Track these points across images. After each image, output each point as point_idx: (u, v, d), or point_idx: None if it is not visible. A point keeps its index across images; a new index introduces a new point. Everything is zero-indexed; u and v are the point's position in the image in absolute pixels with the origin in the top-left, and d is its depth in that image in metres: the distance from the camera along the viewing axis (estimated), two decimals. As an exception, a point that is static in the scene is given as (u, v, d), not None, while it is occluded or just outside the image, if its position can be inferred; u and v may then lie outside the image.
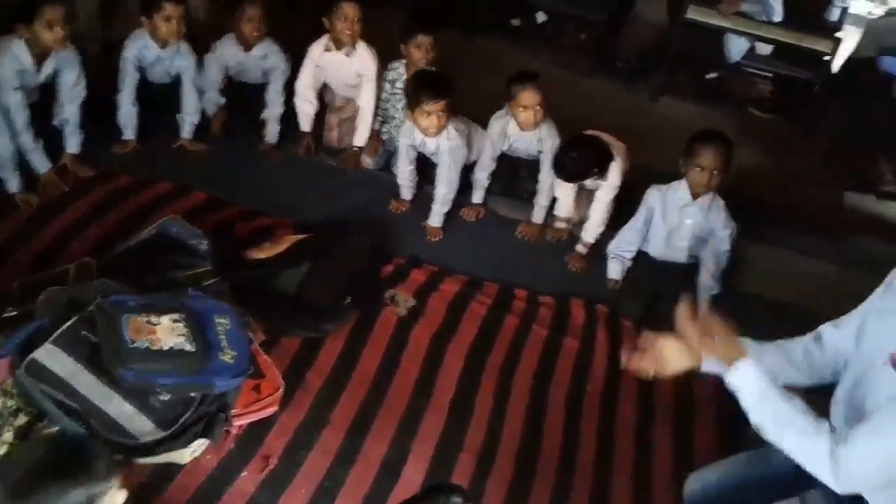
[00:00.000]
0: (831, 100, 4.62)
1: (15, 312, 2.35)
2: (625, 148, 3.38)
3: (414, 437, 2.43)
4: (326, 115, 3.89)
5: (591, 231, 3.37)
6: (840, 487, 1.55)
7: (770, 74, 4.86)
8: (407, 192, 3.57)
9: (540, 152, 3.44)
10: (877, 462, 1.54)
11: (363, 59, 3.65)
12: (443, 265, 3.22)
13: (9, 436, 2.03)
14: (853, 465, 1.53)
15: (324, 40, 3.63)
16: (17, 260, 2.80)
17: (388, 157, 3.80)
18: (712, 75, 5.04)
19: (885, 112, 4.27)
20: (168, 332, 2.21)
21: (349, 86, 3.76)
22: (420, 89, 3.24)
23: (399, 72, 3.70)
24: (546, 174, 3.43)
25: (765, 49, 4.82)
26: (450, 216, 3.48)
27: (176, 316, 2.27)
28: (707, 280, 3.12)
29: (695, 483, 2.05)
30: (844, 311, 3.20)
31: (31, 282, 2.52)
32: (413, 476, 2.30)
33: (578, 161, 3.20)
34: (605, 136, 3.36)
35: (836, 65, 4.72)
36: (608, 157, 3.26)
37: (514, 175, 3.69)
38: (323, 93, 3.87)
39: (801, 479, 1.89)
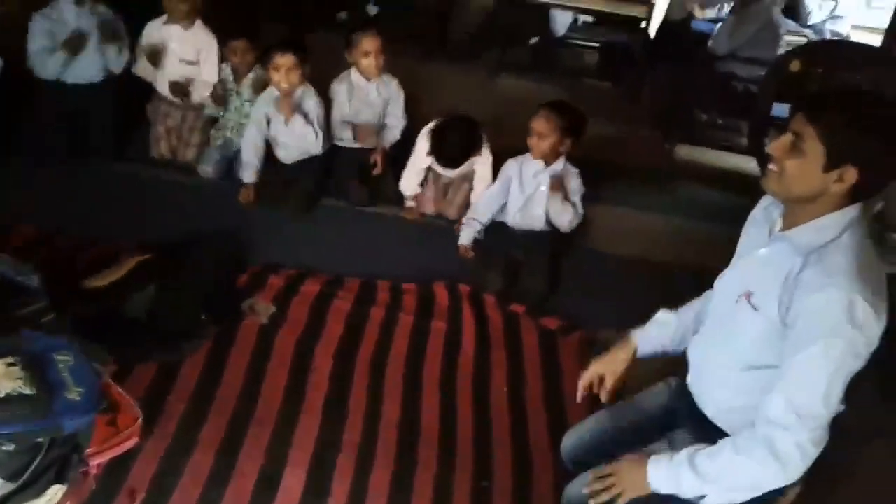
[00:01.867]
0: (652, 63, 4.90)
1: None
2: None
3: (289, 446, 2.36)
4: (152, 126, 3.73)
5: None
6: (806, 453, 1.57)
7: (594, 43, 5.10)
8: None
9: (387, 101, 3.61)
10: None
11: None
12: (301, 267, 3.15)
13: None
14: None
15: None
16: None
17: (229, 164, 3.68)
18: (534, 40, 5.23)
19: (699, 69, 4.58)
20: (2, 378, 2.03)
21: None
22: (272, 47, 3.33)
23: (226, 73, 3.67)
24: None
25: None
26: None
27: (10, 359, 2.08)
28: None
29: (569, 440, 2.11)
30: (685, 257, 3.45)
31: None
32: (292, 484, 2.23)
33: (459, 145, 3.27)
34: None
35: (653, 29, 5.00)
36: (479, 138, 3.34)
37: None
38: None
39: (667, 421, 2.00)
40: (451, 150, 3.29)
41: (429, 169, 3.47)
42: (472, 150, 3.32)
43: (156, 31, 3.68)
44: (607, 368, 2.02)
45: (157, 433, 2.31)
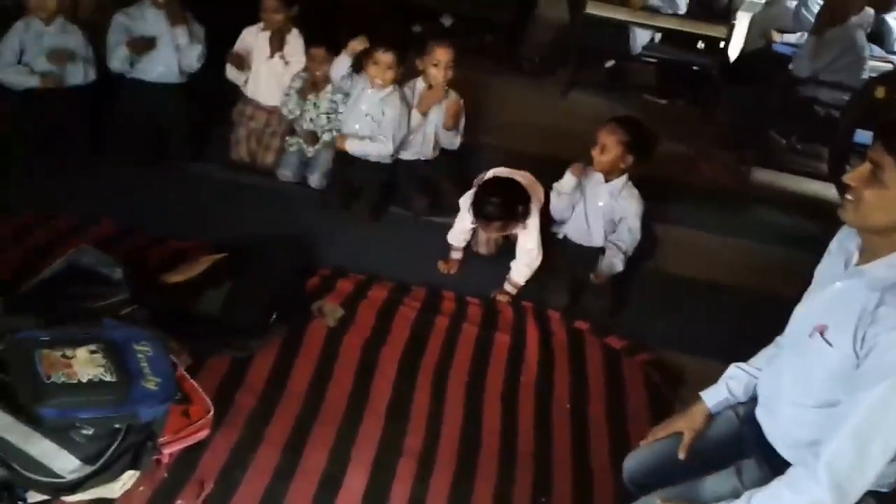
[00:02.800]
0: (731, 84, 4.83)
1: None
2: (539, 186, 3.30)
3: (352, 446, 2.39)
4: (234, 129, 3.85)
5: (519, 273, 3.19)
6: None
7: (671, 62, 5.05)
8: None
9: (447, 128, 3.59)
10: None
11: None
12: (369, 273, 3.20)
13: (-76, 488, 1.92)
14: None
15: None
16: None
17: (304, 168, 3.77)
18: (610, 63, 5.21)
19: (779, 93, 4.49)
20: (85, 364, 2.12)
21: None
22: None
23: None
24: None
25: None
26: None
27: (93, 347, 2.18)
28: (612, 258, 3.19)
29: (632, 461, 2.10)
30: (755, 282, 3.38)
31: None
32: (354, 484, 2.26)
33: (501, 206, 3.02)
34: (519, 176, 3.23)
35: (732, 51, 4.94)
36: (527, 198, 3.11)
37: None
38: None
39: (736, 449, 1.96)
40: (492, 211, 3.03)
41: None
42: (514, 217, 3.07)
43: (250, 36, 3.80)
44: (686, 426, 2.02)
45: (226, 427, 2.37)
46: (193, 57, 3.75)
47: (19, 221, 3.13)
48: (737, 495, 1.72)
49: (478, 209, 3.05)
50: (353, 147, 3.60)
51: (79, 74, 3.60)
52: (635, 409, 2.70)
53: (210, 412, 2.33)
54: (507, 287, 3.22)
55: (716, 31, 4.75)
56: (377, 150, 3.58)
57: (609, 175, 3.19)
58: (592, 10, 4.73)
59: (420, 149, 3.67)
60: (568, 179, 3.21)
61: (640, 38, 5.06)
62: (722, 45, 4.82)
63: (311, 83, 3.74)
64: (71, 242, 2.98)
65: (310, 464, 2.31)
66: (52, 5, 3.46)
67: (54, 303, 2.51)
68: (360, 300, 3.04)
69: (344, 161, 3.65)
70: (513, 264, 3.22)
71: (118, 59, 3.66)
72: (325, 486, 2.25)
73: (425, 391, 2.66)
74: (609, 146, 3.12)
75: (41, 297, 2.56)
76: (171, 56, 3.71)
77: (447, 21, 5.50)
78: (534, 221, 3.15)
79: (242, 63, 3.79)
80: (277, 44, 3.76)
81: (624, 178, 3.20)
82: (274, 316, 2.84)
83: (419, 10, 5.36)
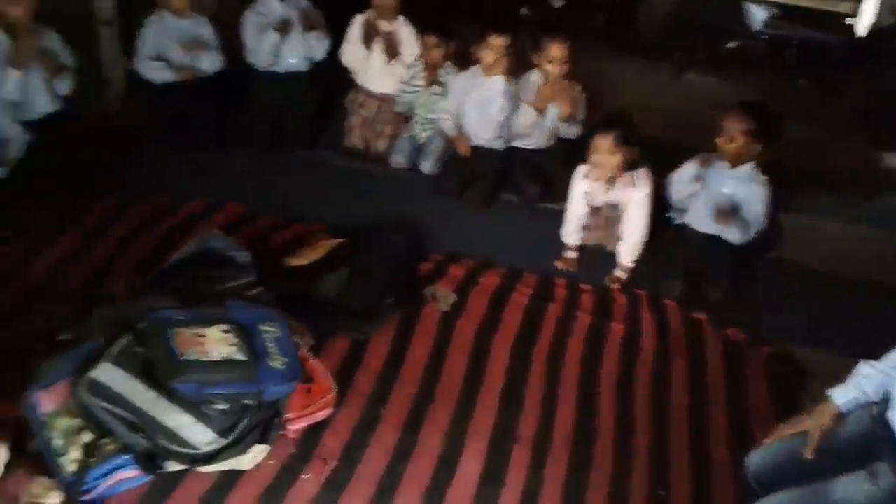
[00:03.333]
0: (860, 63, 4.55)
1: (69, 335, 2.40)
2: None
3: (467, 430, 2.43)
4: (348, 117, 3.93)
5: (628, 251, 3.14)
6: None
7: (793, 40, 4.80)
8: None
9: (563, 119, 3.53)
10: None
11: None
12: (481, 259, 3.22)
13: (76, 454, 2.07)
14: None
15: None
16: (65, 286, 2.84)
17: (416, 154, 3.81)
18: (732, 44, 4.99)
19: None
20: (217, 343, 2.24)
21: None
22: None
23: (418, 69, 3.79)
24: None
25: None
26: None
27: (224, 326, 2.30)
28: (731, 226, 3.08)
29: (756, 458, 2.04)
30: (886, 274, 3.20)
31: (82, 304, 2.58)
32: (470, 468, 2.30)
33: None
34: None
35: (862, 27, 4.64)
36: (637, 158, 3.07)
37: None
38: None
39: (867, 451, 1.88)
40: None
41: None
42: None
43: (360, 22, 3.86)
44: (814, 425, 1.96)
45: (347, 406, 2.46)
46: (321, 49, 3.85)
47: (154, 205, 3.31)
48: (871, 501, 1.65)
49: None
50: (466, 139, 3.63)
51: (209, 63, 3.75)
52: (757, 404, 2.62)
53: (332, 392, 2.42)
54: (618, 273, 3.19)
55: (843, 6, 4.48)
56: (481, 133, 3.58)
57: (735, 162, 3.08)
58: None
59: (536, 140, 3.64)
60: (690, 168, 3.12)
61: (757, 14, 4.82)
62: (849, 20, 4.54)
63: (425, 69, 3.76)
64: (200, 226, 3.15)
65: (426, 446, 2.37)
66: (189, 3, 3.62)
67: (187, 284, 2.65)
68: (473, 286, 3.07)
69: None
70: (620, 247, 3.18)
71: (265, 51, 3.74)
72: (441, 469, 2.30)
73: (538, 378, 2.66)
74: (736, 135, 3.00)
75: (175, 278, 2.71)
76: (300, 47, 3.81)
77: (557, 2, 5.41)
78: (642, 194, 3.09)
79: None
80: (390, 35, 3.80)
81: (750, 164, 3.07)
82: (389, 299, 2.91)
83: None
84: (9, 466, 2.10)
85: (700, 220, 3.17)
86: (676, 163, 3.24)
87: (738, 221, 3.06)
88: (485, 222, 3.49)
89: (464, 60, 3.69)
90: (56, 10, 3.33)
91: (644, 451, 2.42)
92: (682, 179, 3.17)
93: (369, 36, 3.83)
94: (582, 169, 3.15)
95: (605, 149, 2.98)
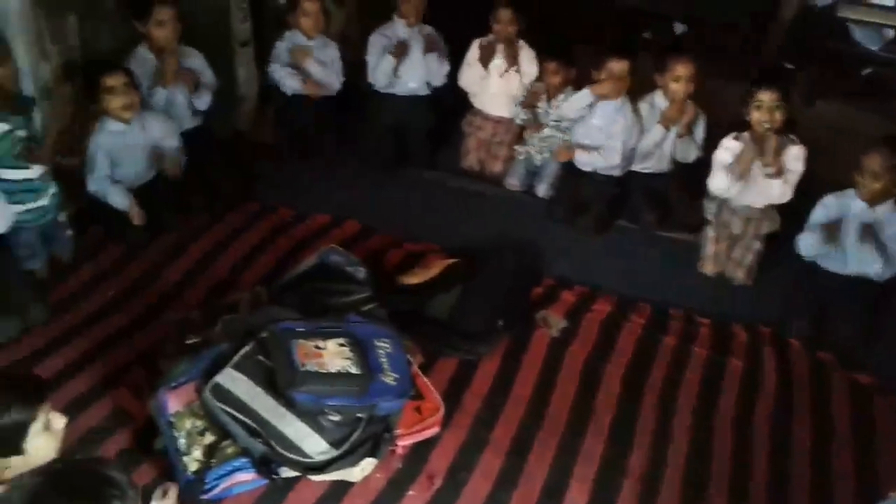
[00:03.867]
0: None
1: (196, 339, 2.53)
2: None
3: (575, 460, 2.40)
4: (464, 139, 3.98)
5: (774, 188, 3.16)
6: None
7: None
8: None
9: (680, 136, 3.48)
10: None
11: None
12: (593, 285, 3.18)
13: (198, 453, 2.18)
14: None
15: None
16: (194, 292, 3.01)
17: (532, 178, 3.82)
18: (867, 71, 4.73)
19: None
20: (334, 356, 2.30)
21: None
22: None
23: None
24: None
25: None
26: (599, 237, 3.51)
27: (341, 340, 2.37)
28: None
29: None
30: None
31: (209, 311, 2.71)
32: (577, 499, 2.27)
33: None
34: None
35: None
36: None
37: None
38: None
39: None
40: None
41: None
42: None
43: (478, 50, 3.91)
44: None
45: (454, 426, 2.47)
46: (441, 73, 3.93)
47: (279, 219, 3.45)
48: None
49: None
50: (581, 159, 3.59)
51: (332, 85, 3.89)
52: (890, 459, 2.45)
53: (440, 410, 2.45)
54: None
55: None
56: (605, 161, 3.54)
57: (875, 200, 2.91)
58: (846, 13, 4.34)
59: (656, 163, 3.58)
60: (820, 214, 3.00)
61: (872, 38, 4.56)
62: None
63: (543, 93, 3.77)
64: (320, 241, 3.26)
65: (532, 472, 2.35)
66: (320, 25, 3.78)
67: (307, 297, 2.75)
68: (584, 312, 3.03)
69: (572, 173, 3.65)
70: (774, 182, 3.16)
71: (383, 73, 3.86)
72: (547, 497, 2.28)
73: (650, 412, 2.59)
74: (880, 173, 2.84)
75: (296, 290, 2.82)
76: (420, 71, 3.90)
77: (679, 28, 5.31)
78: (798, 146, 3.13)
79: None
80: (511, 57, 3.83)
81: (890, 202, 2.90)
82: (500, 322, 2.91)
83: (650, 16, 5.22)
84: (136, 460, 2.24)
85: (836, 260, 3.00)
86: (810, 193, 3.11)
87: (881, 250, 2.89)
88: (599, 248, 3.45)
89: (582, 86, 3.67)
90: (198, 32, 3.56)
91: (761, 494, 2.32)
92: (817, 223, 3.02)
93: (487, 59, 3.88)
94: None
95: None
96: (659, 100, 3.51)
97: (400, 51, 3.82)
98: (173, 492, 1.74)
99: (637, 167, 3.61)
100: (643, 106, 3.55)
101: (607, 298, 3.11)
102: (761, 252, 3.26)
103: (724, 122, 3.49)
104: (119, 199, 3.16)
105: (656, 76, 3.49)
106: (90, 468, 1.28)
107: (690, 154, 3.51)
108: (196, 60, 3.53)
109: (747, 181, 3.17)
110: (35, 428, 1.54)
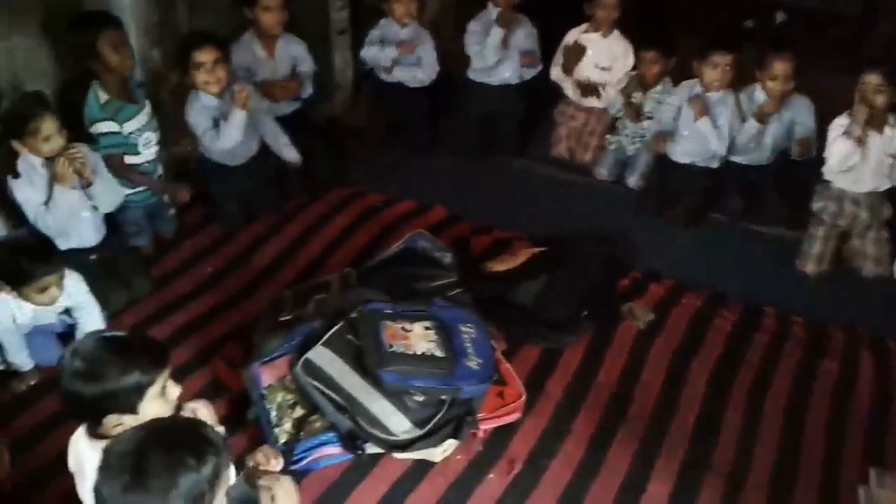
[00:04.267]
0: None
1: (289, 317, 2.63)
2: None
3: (658, 454, 2.37)
4: (555, 128, 3.96)
5: None
6: None
7: None
8: None
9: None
10: None
11: None
12: (683, 279, 3.12)
13: (288, 426, 2.27)
14: None
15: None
16: (287, 271, 3.12)
17: (622, 168, 3.77)
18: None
19: None
20: (420, 338, 2.36)
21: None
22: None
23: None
24: None
25: None
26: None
27: (427, 323, 2.42)
28: None
29: None
30: None
31: (301, 290, 2.81)
32: (658, 492, 2.25)
33: None
34: None
35: None
36: None
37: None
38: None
39: None
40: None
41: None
42: None
43: (574, 37, 3.89)
44: None
45: (536, 413, 2.48)
46: (533, 70, 3.93)
47: (368, 203, 3.53)
48: None
49: None
50: (678, 149, 3.52)
51: (423, 73, 3.94)
52: None
53: (522, 396, 2.46)
54: None
55: None
56: (703, 154, 3.46)
57: None
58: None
59: (756, 155, 3.47)
60: None
61: None
62: None
63: (640, 83, 3.71)
64: (408, 226, 3.32)
65: (614, 463, 2.34)
66: (412, 13, 3.83)
67: (394, 280, 2.81)
68: (672, 306, 2.98)
69: (665, 164, 3.59)
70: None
71: (482, 63, 3.87)
72: (627, 489, 2.27)
73: (738, 410, 2.54)
74: None
75: (383, 273, 2.89)
76: (515, 62, 3.90)
77: (780, 17, 5.11)
78: None
79: (571, 64, 3.87)
80: (606, 47, 3.79)
81: None
82: (585, 312, 2.90)
83: (751, 4, 5.04)
84: (229, 428, 2.35)
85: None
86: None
87: None
88: (690, 241, 3.38)
89: (681, 76, 3.59)
90: (297, 20, 3.67)
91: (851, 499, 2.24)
92: None
93: (579, 51, 3.85)
94: None
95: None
96: (758, 94, 3.40)
97: (506, 19, 3.77)
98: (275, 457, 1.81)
99: (736, 158, 3.50)
100: (742, 98, 3.45)
101: (697, 293, 3.05)
102: (890, 240, 3.14)
103: (830, 117, 3.36)
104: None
105: (756, 70, 3.38)
106: (190, 426, 1.36)
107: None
108: (298, 48, 3.64)
109: (861, 166, 3.04)
110: (152, 391, 1.62)
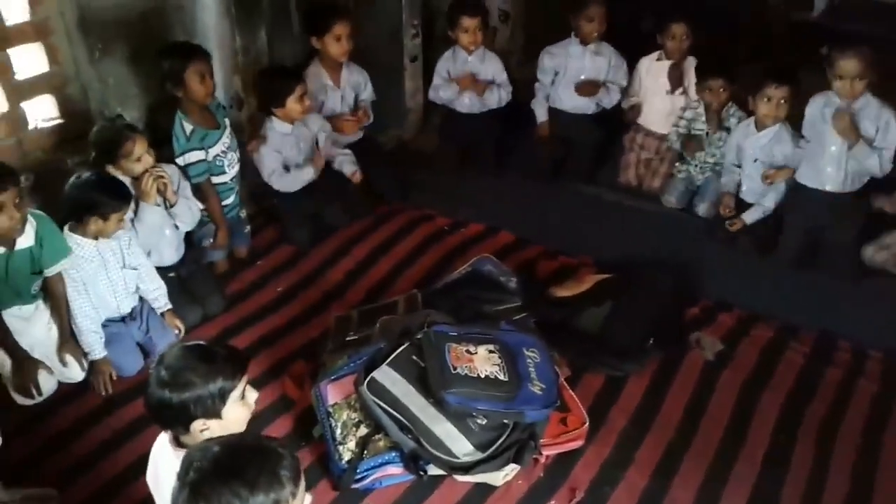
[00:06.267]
0: None
1: (355, 336, 2.69)
2: None
3: (724, 487, 2.33)
4: (625, 154, 3.96)
5: None
6: None
7: None
8: None
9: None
10: None
11: None
12: (753, 310, 3.06)
13: (352, 444, 2.32)
14: None
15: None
16: (355, 292, 3.18)
17: (690, 197, 3.73)
18: None
19: None
20: (484, 361, 2.37)
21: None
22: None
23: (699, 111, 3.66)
24: None
25: None
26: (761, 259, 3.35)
27: (491, 347, 2.43)
28: None
29: None
30: None
31: (368, 310, 2.88)
32: (723, 527, 2.20)
33: None
34: None
35: None
36: None
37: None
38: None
39: None
40: None
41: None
42: None
43: (646, 65, 3.89)
44: None
45: (599, 441, 2.47)
46: (614, 99, 3.95)
47: (435, 226, 3.59)
48: None
49: None
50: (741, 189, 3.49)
51: (493, 99, 3.99)
52: None
53: (585, 424, 2.45)
54: None
55: None
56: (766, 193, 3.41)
57: None
58: None
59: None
60: None
61: None
62: None
63: (709, 112, 3.66)
64: (474, 249, 3.35)
65: (677, 496, 2.31)
66: (479, 41, 3.90)
67: (459, 302, 2.84)
68: (742, 337, 2.92)
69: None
70: None
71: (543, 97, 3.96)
72: (691, 522, 2.22)
73: (809, 446, 2.47)
74: None
75: (449, 296, 2.92)
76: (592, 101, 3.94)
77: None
78: None
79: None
80: (678, 77, 3.76)
81: None
82: (651, 341, 2.87)
83: (828, 32, 4.91)
84: (295, 444, 2.40)
85: None
86: None
87: None
88: (761, 271, 3.31)
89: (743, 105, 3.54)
90: (371, 47, 3.77)
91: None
92: None
93: (654, 77, 3.84)
94: None
95: None
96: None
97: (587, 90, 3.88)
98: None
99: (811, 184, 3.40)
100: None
101: (768, 323, 2.99)
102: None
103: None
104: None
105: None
106: (265, 444, 1.41)
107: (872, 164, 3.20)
108: (361, 76, 3.76)
109: None
110: (234, 395, 1.70)
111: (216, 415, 1.68)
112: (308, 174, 3.41)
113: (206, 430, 1.67)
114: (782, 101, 3.25)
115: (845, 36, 4.54)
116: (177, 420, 1.69)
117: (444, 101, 4.00)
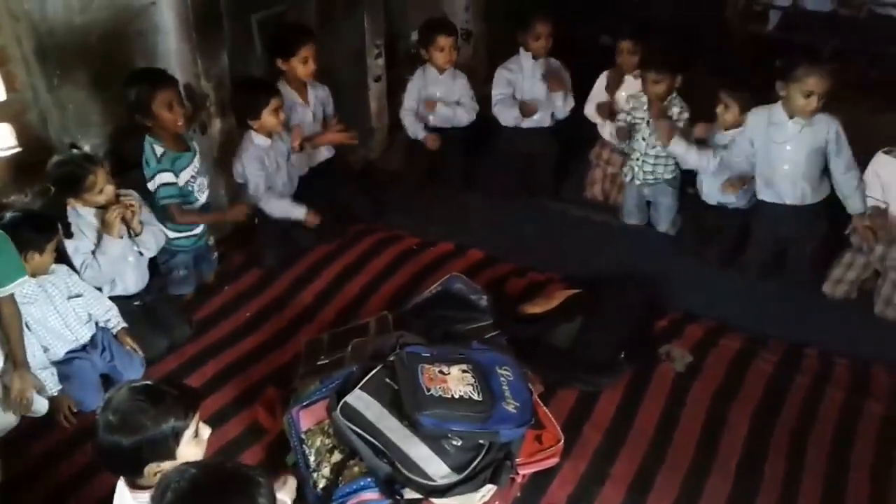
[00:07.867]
0: None
1: (327, 360, 2.67)
2: None
3: (699, 500, 2.34)
4: (590, 169, 3.99)
5: None
6: None
7: None
8: None
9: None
10: None
11: None
12: (721, 320, 3.09)
13: (326, 471, 2.29)
14: None
15: None
16: (325, 314, 3.15)
17: (647, 209, 3.76)
18: None
19: None
20: (457, 382, 2.35)
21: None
22: None
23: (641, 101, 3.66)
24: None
25: None
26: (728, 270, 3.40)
27: (464, 366, 2.42)
28: None
29: None
30: None
31: (339, 333, 2.85)
32: (700, 539, 2.21)
33: None
34: None
35: None
36: None
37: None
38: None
39: None
40: None
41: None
42: None
43: (605, 80, 3.93)
44: None
45: (574, 458, 2.47)
46: (567, 109, 3.98)
47: (405, 245, 3.58)
48: None
49: None
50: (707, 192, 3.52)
51: (463, 116, 4.01)
52: None
53: (560, 441, 2.45)
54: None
55: None
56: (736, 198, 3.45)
57: None
58: None
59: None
60: None
61: None
62: None
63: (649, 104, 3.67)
64: (444, 268, 3.35)
65: (654, 509, 2.31)
66: (453, 60, 3.92)
67: (431, 322, 2.83)
68: (711, 348, 2.95)
69: (698, 205, 3.58)
70: None
71: (512, 117, 3.93)
72: (669, 536, 2.23)
73: (780, 455, 2.49)
74: None
75: (420, 315, 2.92)
76: (547, 111, 3.96)
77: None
78: None
79: (605, 111, 3.90)
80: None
81: None
82: (622, 354, 2.88)
83: (787, 45, 5.01)
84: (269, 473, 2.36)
85: None
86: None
87: None
88: (726, 282, 3.35)
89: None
90: (335, 68, 3.76)
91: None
92: None
93: (613, 90, 3.88)
94: None
95: None
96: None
97: (529, 111, 3.90)
98: (292, 482, 1.83)
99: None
100: None
101: (736, 334, 3.02)
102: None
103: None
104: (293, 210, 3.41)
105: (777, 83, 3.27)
106: (244, 470, 1.39)
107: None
108: (324, 92, 3.74)
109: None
110: (187, 435, 1.66)
111: (170, 456, 1.64)
112: (299, 214, 3.41)
113: (159, 472, 1.62)
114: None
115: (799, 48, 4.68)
116: (128, 464, 1.65)
117: (415, 131, 4.01)
